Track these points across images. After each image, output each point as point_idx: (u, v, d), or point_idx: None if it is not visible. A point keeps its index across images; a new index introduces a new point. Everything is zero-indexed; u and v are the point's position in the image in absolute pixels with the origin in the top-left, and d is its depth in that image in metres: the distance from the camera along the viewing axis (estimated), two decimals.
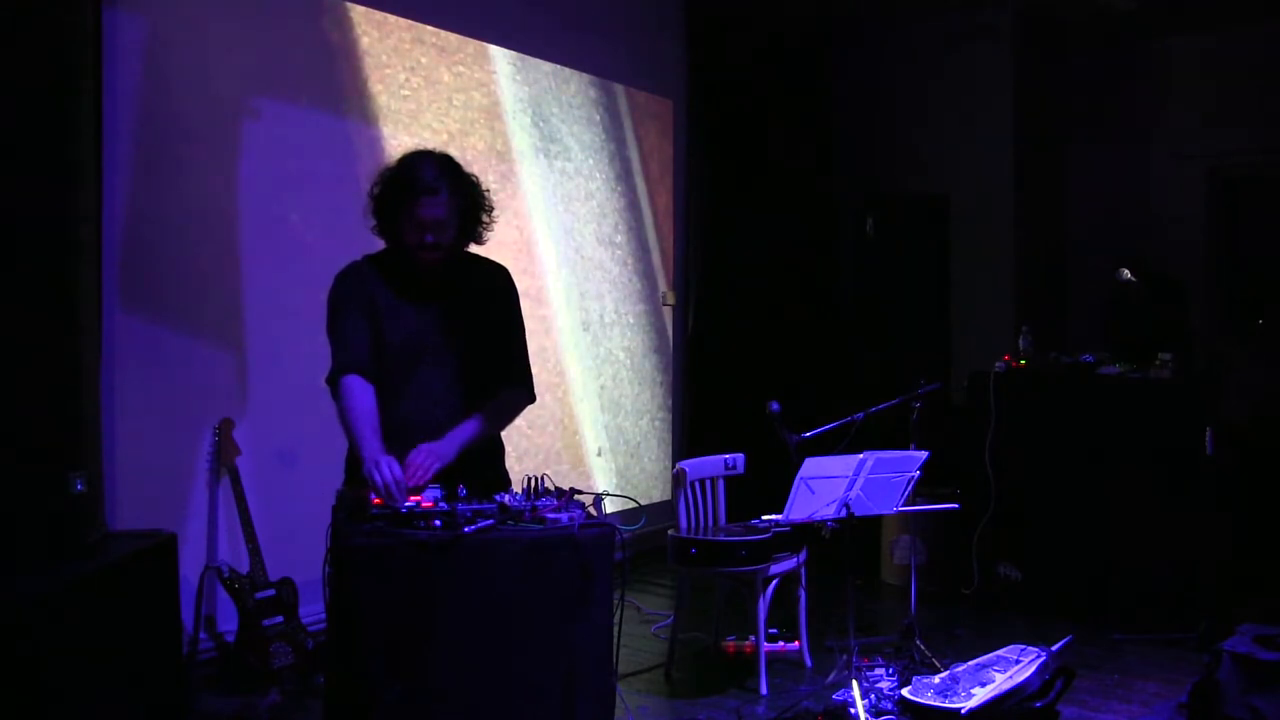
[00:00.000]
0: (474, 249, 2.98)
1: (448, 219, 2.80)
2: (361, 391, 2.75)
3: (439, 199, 2.77)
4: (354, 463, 2.76)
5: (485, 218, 2.91)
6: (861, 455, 3.55)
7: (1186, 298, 5.87)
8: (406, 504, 2.53)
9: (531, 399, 3.02)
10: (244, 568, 3.94)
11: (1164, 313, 5.55)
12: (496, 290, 3.01)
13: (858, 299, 7.32)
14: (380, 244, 2.97)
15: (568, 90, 5.77)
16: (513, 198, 5.33)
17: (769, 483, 3.91)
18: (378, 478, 2.54)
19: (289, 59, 4.39)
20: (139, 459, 3.83)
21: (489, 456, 2.97)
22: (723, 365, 6.55)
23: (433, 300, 2.88)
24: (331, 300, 2.88)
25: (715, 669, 4.20)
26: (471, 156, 2.93)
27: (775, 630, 4.25)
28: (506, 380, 2.97)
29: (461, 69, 5.13)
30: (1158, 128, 7.44)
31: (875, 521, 5.35)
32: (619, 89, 6.12)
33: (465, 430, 2.80)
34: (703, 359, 6.54)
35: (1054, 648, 3.62)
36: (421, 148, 2.93)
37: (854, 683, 3.54)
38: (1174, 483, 4.63)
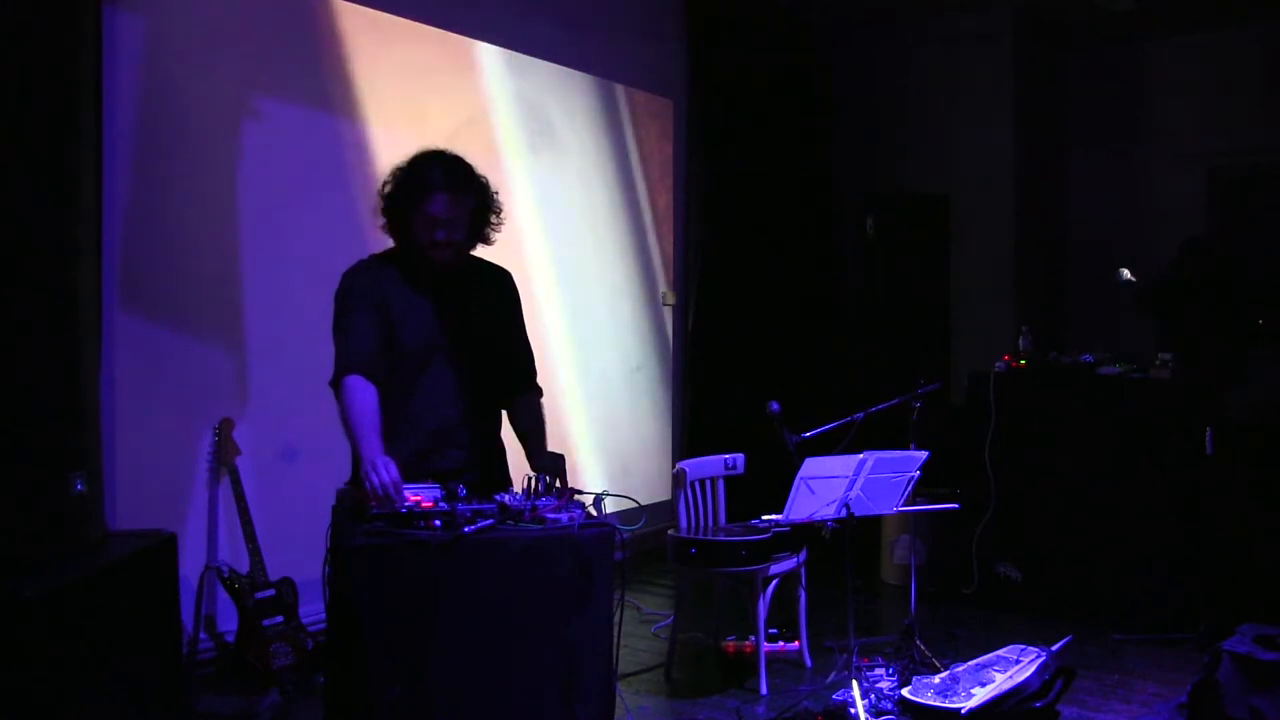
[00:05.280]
0: (478, 251, 3.01)
1: (459, 216, 2.83)
2: (363, 392, 2.74)
3: (451, 196, 2.80)
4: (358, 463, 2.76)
5: (494, 218, 2.94)
6: (861, 455, 3.55)
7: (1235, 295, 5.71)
8: (405, 505, 2.53)
9: (541, 394, 3.09)
10: (244, 568, 3.94)
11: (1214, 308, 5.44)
12: (503, 292, 3.06)
13: (858, 299, 7.32)
14: (382, 243, 2.97)
15: (567, 90, 5.77)
16: (512, 198, 5.33)
17: (769, 483, 3.91)
18: (375, 479, 2.52)
19: (289, 59, 4.38)
20: (139, 459, 3.83)
21: (492, 458, 2.98)
22: (723, 365, 6.55)
23: (443, 300, 2.89)
24: (340, 298, 2.87)
25: (715, 669, 4.20)
26: (471, 157, 2.93)
27: (775, 630, 4.25)
28: (516, 381, 3.03)
29: (461, 69, 5.13)
30: (1158, 128, 7.44)
31: (875, 521, 5.35)
32: (619, 89, 6.12)
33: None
34: (703, 359, 6.54)
35: (1054, 648, 3.62)
36: (431, 147, 2.93)
37: (854, 683, 3.54)
38: (1174, 483, 4.63)
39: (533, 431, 2.98)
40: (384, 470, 2.54)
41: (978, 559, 5.13)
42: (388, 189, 2.86)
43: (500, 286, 3.06)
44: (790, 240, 7.12)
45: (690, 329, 6.54)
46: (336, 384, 2.78)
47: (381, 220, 2.89)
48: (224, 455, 4.01)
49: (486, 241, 2.97)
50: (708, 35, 6.56)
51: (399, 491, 2.54)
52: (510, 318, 3.06)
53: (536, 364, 3.12)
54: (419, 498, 2.56)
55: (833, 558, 3.84)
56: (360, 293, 2.85)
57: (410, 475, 2.63)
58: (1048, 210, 7.61)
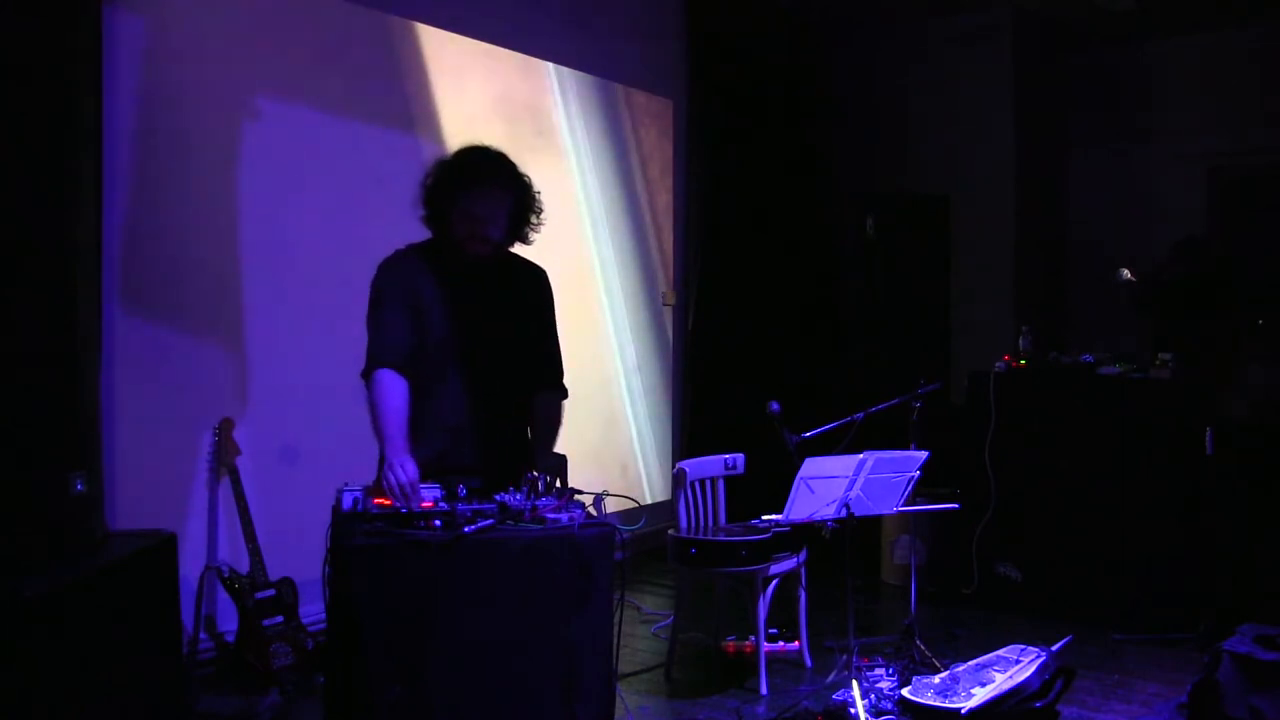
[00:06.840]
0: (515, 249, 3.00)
1: (498, 213, 2.82)
2: (392, 387, 2.75)
3: (492, 192, 2.80)
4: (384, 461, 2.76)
5: (534, 218, 2.92)
6: (861, 455, 3.55)
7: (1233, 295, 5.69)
8: (420, 506, 2.53)
9: (565, 395, 3.06)
10: (244, 568, 3.94)
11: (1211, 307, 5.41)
12: (536, 289, 3.05)
13: (858, 299, 7.32)
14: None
15: (567, 90, 5.77)
16: None
17: (769, 483, 3.91)
18: (392, 479, 2.55)
19: (289, 59, 4.38)
20: (139, 459, 3.83)
21: (516, 455, 2.97)
22: (723, 365, 6.55)
23: (473, 295, 2.89)
24: (375, 289, 2.87)
25: (715, 669, 4.20)
26: None
27: (775, 630, 4.25)
28: (542, 380, 3.01)
29: (461, 69, 5.13)
30: (1158, 128, 7.44)
31: (875, 521, 5.35)
32: (619, 89, 6.12)
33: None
34: (703, 359, 6.54)
35: (1054, 648, 3.62)
36: (475, 143, 2.93)
37: (854, 683, 3.54)
38: (1174, 483, 4.63)
39: (542, 431, 2.97)
40: (401, 471, 2.56)
41: (978, 559, 5.13)
42: (430, 181, 2.86)
43: (534, 284, 3.05)
44: (790, 240, 7.12)
45: (690, 329, 6.54)
46: (368, 376, 2.79)
47: (422, 212, 2.88)
48: (224, 455, 4.01)
49: (525, 240, 2.95)
50: (708, 35, 6.56)
51: (415, 492, 2.55)
52: (539, 316, 3.05)
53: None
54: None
55: (833, 558, 3.83)
56: (393, 284, 2.85)
57: (432, 470, 2.65)
58: (1048, 210, 7.60)
